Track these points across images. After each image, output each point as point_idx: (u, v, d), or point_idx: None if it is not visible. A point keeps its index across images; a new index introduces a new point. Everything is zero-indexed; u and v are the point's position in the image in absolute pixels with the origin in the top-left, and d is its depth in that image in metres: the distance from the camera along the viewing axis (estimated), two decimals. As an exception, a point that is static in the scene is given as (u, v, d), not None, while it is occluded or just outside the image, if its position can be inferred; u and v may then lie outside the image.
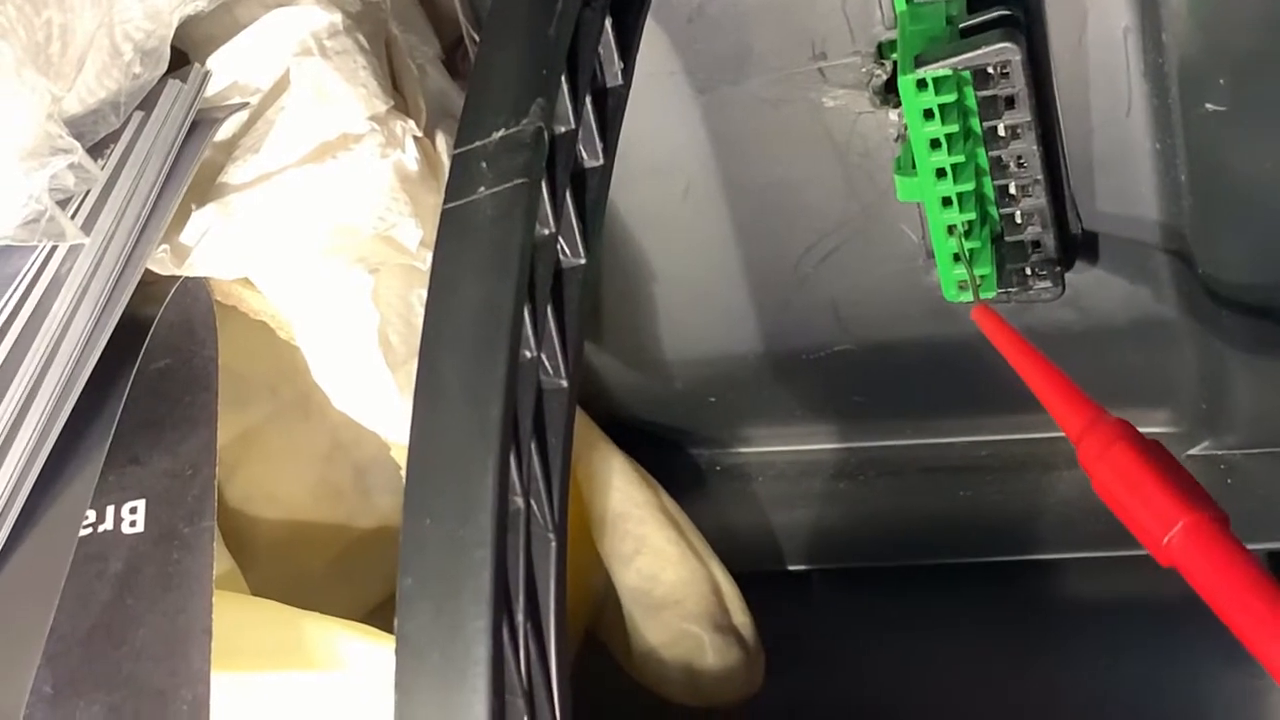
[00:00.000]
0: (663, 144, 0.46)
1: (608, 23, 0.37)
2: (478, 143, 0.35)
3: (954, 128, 0.41)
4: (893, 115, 0.44)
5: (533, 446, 0.33)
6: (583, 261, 0.35)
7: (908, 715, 0.51)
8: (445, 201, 0.34)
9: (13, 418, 0.38)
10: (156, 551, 0.41)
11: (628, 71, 0.37)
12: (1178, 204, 0.43)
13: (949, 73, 0.40)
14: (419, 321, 0.34)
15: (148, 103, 0.41)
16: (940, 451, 0.54)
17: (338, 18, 0.43)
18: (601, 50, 0.37)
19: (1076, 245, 0.45)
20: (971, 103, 0.41)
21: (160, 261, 0.42)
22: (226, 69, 0.43)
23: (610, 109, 0.37)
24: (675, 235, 0.49)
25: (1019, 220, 0.44)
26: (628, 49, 0.38)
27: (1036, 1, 0.41)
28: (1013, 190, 0.43)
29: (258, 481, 0.49)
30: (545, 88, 0.35)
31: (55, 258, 0.40)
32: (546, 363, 0.34)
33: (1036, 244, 0.44)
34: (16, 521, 0.39)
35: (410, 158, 0.42)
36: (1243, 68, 0.39)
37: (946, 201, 0.42)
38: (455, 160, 0.35)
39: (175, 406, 0.43)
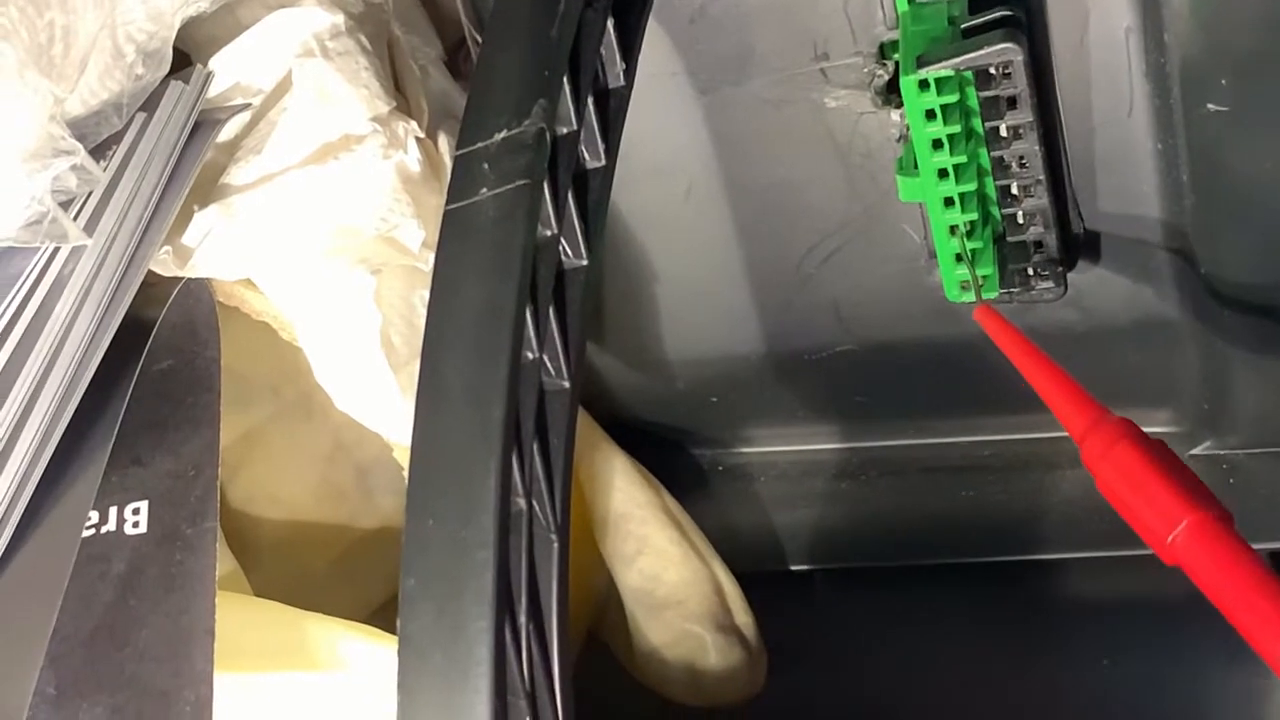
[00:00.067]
0: (665, 145, 0.46)
1: (610, 24, 0.37)
2: (480, 144, 0.35)
3: (956, 128, 0.41)
4: (895, 116, 0.44)
5: (535, 447, 0.33)
6: (585, 262, 0.35)
7: (910, 714, 0.51)
8: (447, 203, 0.34)
9: (15, 419, 0.38)
10: (159, 552, 0.41)
11: (630, 72, 0.37)
12: (1180, 204, 0.43)
13: (951, 73, 0.40)
14: (421, 322, 0.34)
15: (150, 104, 0.41)
16: (942, 451, 0.54)
17: (340, 19, 0.43)
18: (603, 51, 0.37)
19: (1079, 245, 0.45)
20: (973, 103, 0.41)
21: (163, 263, 0.42)
22: (229, 70, 0.43)
23: (612, 110, 0.37)
24: (677, 236, 0.49)
25: (1021, 220, 0.44)
26: (630, 50, 0.38)
27: (1038, 2, 0.41)
28: (1015, 190, 0.43)
29: (260, 482, 0.49)
30: (547, 89, 0.35)
31: (58, 259, 0.40)
32: (548, 364, 0.34)
33: (1039, 244, 0.44)
34: (20, 522, 0.39)
35: (412, 159, 0.43)
36: (1244, 68, 0.39)
37: (949, 202, 0.42)
38: (457, 161, 0.35)
39: (178, 407, 0.43)
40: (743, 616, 0.50)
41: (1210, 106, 0.40)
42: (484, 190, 0.34)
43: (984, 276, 0.44)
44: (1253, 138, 0.40)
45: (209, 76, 0.43)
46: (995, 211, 0.43)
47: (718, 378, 0.53)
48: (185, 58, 0.43)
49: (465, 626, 0.30)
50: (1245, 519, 0.34)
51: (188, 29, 0.42)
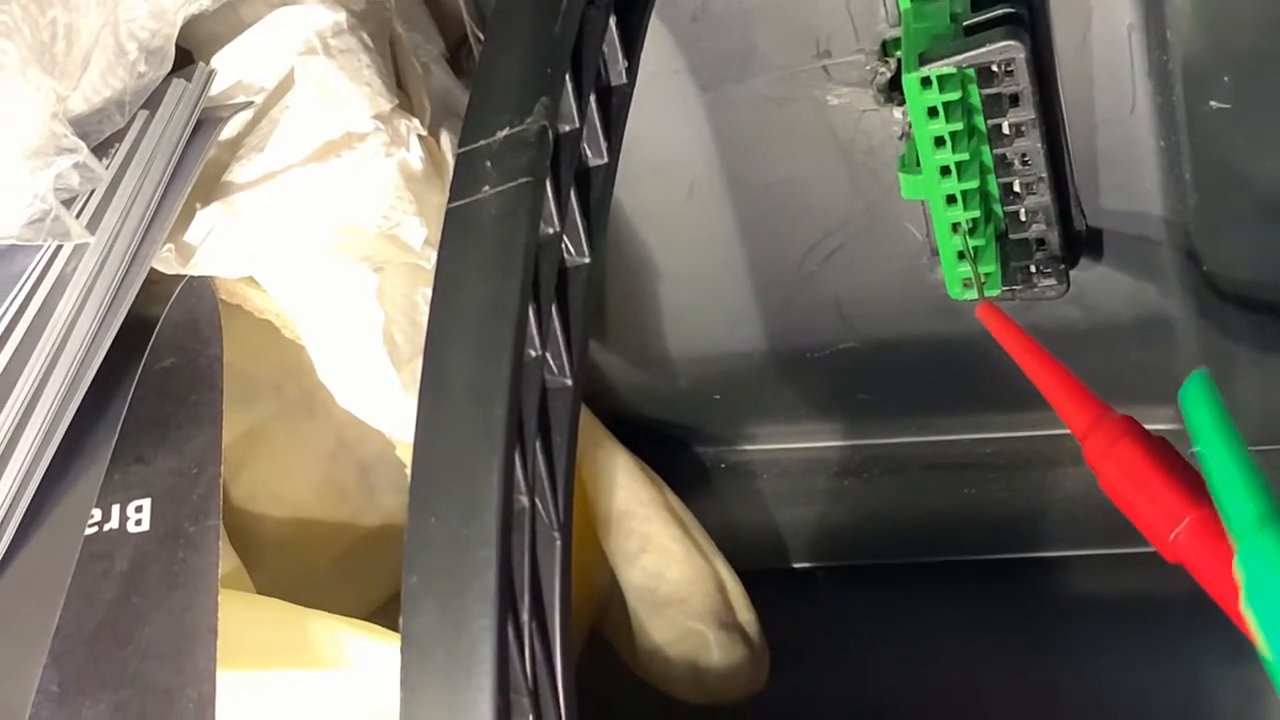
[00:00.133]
0: (667, 142, 0.47)
1: (612, 21, 0.37)
2: (482, 141, 0.35)
3: (958, 125, 0.41)
4: (897, 113, 0.44)
5: (537, 445, 0.33)
6: (587, 260, 0.35)
7: (912, 712, 0.51)
8: (450, 200, 0.34)
9: (18, 417, 0.39)
10: (162, 550, 0.41)
11: (632, 70, 0.37)
12: (1182, 201, 0.43)
13: (953, 70, 0.40)
14: (423, 320, 0.34)
15: (152, 102, 0.41)
16: (945, 449, 0.54)
17: (342, 16, 0.43)
18: (606, 49, 0.37)
19: (1081, 242, 0.45)
20: (976, 100, 0.41)
21: (165, 260, 0.42)
22: (231, 68, 0.43)
23: (614, 107, 0.37)
24: (679, 233, 0.49)
25: (1023, 218, 0.44)
26: (632, 47, 0.38)
27: (1041, -1, 0.41)
28: (1017, 188, 0.43)
29: (263, 480, 0.49)
30: (549, 86, 0.35)
31: (60, 257, 0.40)
32: (551, 361, 0.34)
33: (1041, 241, 0.44)
34: (22, 520, 0.39)
35: (415, 156, 0.43)
36: (1247, 65, 0.39)
37: (951, 199, 0.42)
38: (459, 159, 0.35)
39: (180, 405, 0.43)
40: (745, 614, 0.50)
41: (1213, 104, 0.40)
42: (486, 188, 0.34)
43: (986, 274, 0.44)
44: (1255, 135, 0.40)
45: (211, 74, 0.43)
46: (997, 209, 0.43)
47: (720, 375, 0.53)
48: (187, 55, 0.43)
49: (468, 624, 0.30)
50: (1247, 517, 0.34)
51: (190, 27, 0.42)
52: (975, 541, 0.53)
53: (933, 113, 0.41)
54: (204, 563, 0.40)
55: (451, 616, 0.30)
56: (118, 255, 0.40)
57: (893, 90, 0.43)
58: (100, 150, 0.40)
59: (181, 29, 0.41)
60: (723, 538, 0.51)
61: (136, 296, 0.41)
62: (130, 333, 0.41)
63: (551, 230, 0.34)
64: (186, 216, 0.42)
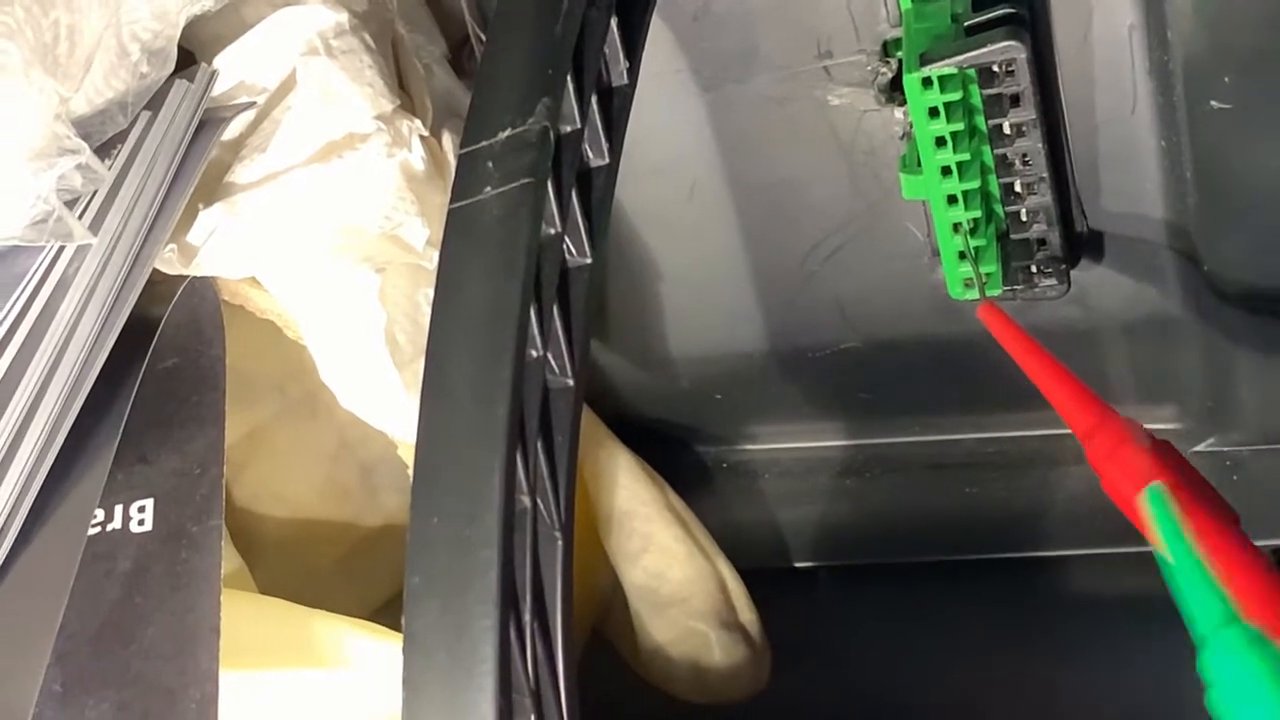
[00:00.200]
0: (668, 143, 0.47)
1: (613, 22, 0.37)
2: (484, 142, 0.35)
3: (959, 125, 0.41)
4: (898, 113, 0.44)
5: (539, 445, 0.33)
6: (589, 261, 0.35)
7: (914, 711, 0.51)
8: (451, 201, 0.34)
9: (21, 418, 0.39)
10: (165, 550, 0.41)
11: (633, 70, 0.38)
12: (1183, 201, 0.43)
13: (954, 71, 0.40)
14: (425, 320, 0.34)
15: (155, 103, 0.41)
16: (946, 448, 0.54)
17: (344, 17, 0.43)
18: (607, 49, 0.37)
19: (1082, 243, 0.45)
20: (977, 100, 0.41)
21: (167, 261, 0.42)
22: (233, 69, 0.43)
23: (616, 108, 0.37)
24: (681, 234, 0.49)
25: (1024, 218, 0.44)
26: (633, 48, 0.38)
27: (1041, -1, 0.41)
28: (1018, 188, 0.43)
29: (265, 480, 0.49)
30: (551, 87, 0.35)
31: (63, 258, 0.40)
32: (553, 362, 0.34)
33: (1042, 241, 0.44)
34: (26, 521, 0.39)
35: (416, 157, 0.43)
36: (1248, 65, 0.39)
37: (952, 199, 0.42)
38: (461, 160, 0.35)
39: (183, 405, 0.43)
40: (747, 614, 0.50)
41: (1214, 104, 0.40)
42: (488, 189, 0.34)
43: (987, 274, 0.44)
44: (1256, 135, 0.40)
45: (214, 75, 0.43)
46: (998, 209, 0.43)
47: (722, 375, 0.53)
48: (190, 56, 0.43)
49: (470, 624, 0.30)
50: (1248, 516, 0.34)
51: (192, 28, 0.42)
52: (977, 541, 0.53)
53: (934, 113, 0.41)
54: (207, 563, 0.40)
55: (453, 616, 0.30)
56: (120, 256, 0.40)
57: (894, 90, 0.44)
58: (103, 151, 0.40)
59: (184, 30, 0.41)
60: (724, 537, 0.51)
61: (139, 297, 0.41)
62: (133, 333, 0.41)
63: (553, 231, 0.34)
64: (189, 217, 0.42)
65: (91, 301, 0.40)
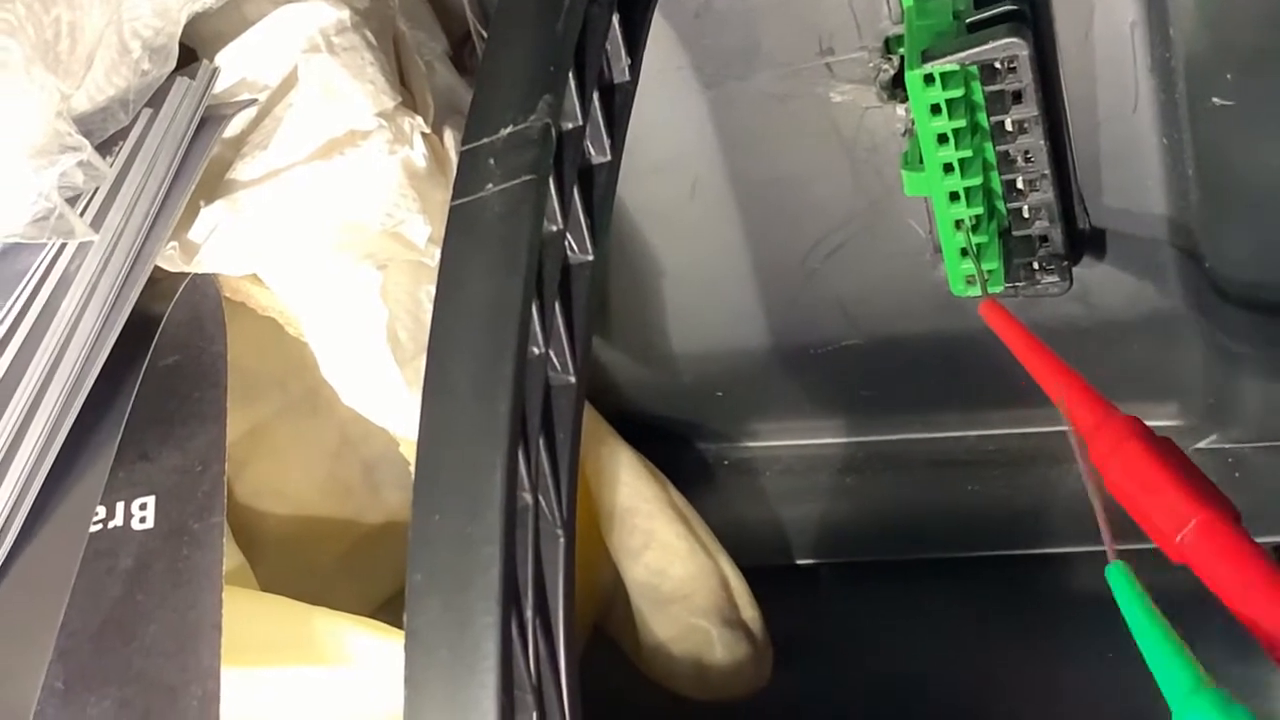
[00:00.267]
0: (670, 140, 0.47)
1: (615, 19, 0.37)
2: (485, 139, 0.35)
3: (961, 123, 0.41)
4: (900, 110, 0.44)
5: (541, 442, 0.33)
6: (590, 258, 0.35)
7: (915, 708, 0.51)
8: (453, 198, 0.34)
9: (22, 415, 0.39)
10: (166, 547, 0.41)
11: (635, 67, 0.38)
12: (1185, 199, 0.43)
13: (956, 68, 0.40)
14: (427, 318, 0.34)
15: (156, 100, 0.41)
16: (948, 446, 0.54)
17: (345, 14, 0.43)
18: (609, 46, 0.37)
19: (1084, 240, 0.45)
20: (979, 97, 0.41)
21: (169, 258, 0.42)
22: (235, 66, 0.43)
23: (617, 105, 0.37)
24: (682, 231, 0.49)
25: (1026, 215, 0.44)
26: (635, 45, 0.38)
27: (1043, -4, 0.41)
28: (1020, 185, 0.43)
29: (267, 477, 0.49)
30: (553, 84, 0.35)
31: (64, 255, 0.40)
32: (554, 359, 0.34)
33: (1044, 238, 0.44)
34: (27, 518, 0.39)
35: (418, 154, 0.43)
36: (1249, 62, 0.39)
37: (954, 196, 0.42)
38: (463, 157, 0.35)
39: (185, 403, 0.43)
40: (749, 611, 0.50)
41: (1215, 101, 0.40)
42: (490, 185, 0.34)
43: (989, 271, 0.44)
44: (1258, 132, 0.40)
45: (215, 72, 0.43)
46: (1000, 206, 0.43)
47: (723, 372, 0.53)
48: (191, 54, 0.43)
49: (472, 621, 0.30)
50: (1250, 513, 0.34)
51: (194, 25, 0.42)
52: (978, 538, 0.53)
53: (936, 110, 0.41)
54: (208, 560, 0.40)
55: (455, 613, 0.30)
56: (121, 253, 0.40)
57: (896, 87, 0.44)
58: (104, 148, 0.40)
59: (185, 27, 0.41)
60: (726, 534, 0.51)
61: (140, 294, 0.41)
62: (134, 330, 0.41)
63: (555, 228, 0.34)
64: (190, 214, 0.42)
65: (93, 299, 0.40)
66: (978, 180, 0.42)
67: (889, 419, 0.54)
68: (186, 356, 0.43)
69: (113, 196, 0.40)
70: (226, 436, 0.43)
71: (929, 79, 0.40)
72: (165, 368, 0.43)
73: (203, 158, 0.42)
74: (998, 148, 0.42)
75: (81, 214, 0.40)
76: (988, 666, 0.51)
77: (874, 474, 0.55)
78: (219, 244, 0.42)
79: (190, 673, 0.39)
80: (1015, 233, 0.44)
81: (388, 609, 0.48)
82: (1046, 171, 0.42)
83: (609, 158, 0.36)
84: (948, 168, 0.42)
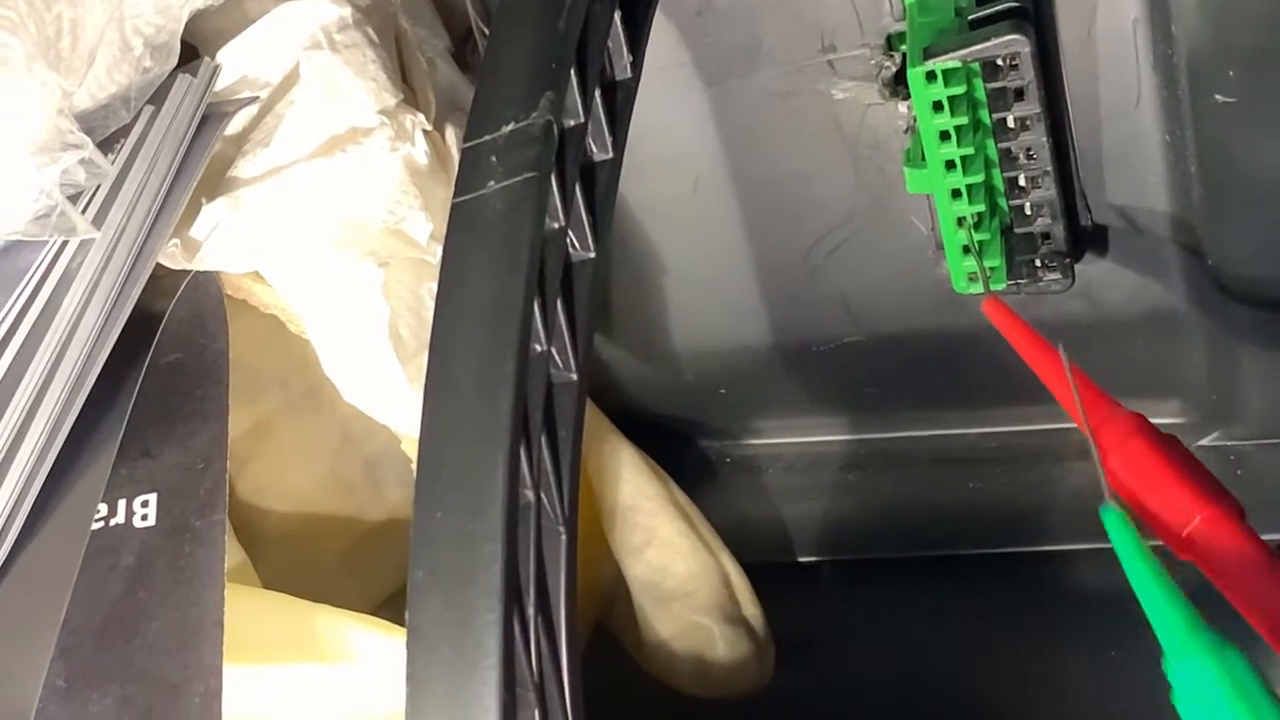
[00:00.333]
0: (672, 137, 0.47)
1: (617, 16, 0.37)
2: (487, 136, 0.35)
3: (963, 120, 0.41)
4: (902, 107, 0.44)
5: (543, 440, 0.33)
6: (592, 255, 0.35)
7: (917, 706, 0.51)
8: (455, 195, 0.34)
9: (25, 413, 0.39)
10: (168, 545, 0.41)
11: (637, 65, 0.38)
12: (1187, 196, 0.43)
13: (958, 65, 0.40)
14: (429, 315, 0.34)
15: (158, 97, 0.41)
16: (950, 443, 0.54)
17: (347, 11, 0.43)
18: (610, 44, 0.37)
19: (1086, 237, 0.45)
20: (981, 94, 0.41)
21: (171, 256, 0.42)
22: (236, 63, 0.43)
23: (619, 102, 0.37)
24: (685, 228, 0.49)
25: (1028, 212, 0.44)
26: (637, 42, 0.38)
27: (1045, -7, 0.41)
28: (1022, 182, 0.43)
29: (269, 475, 0.49)
30: (554, 81, 0.35)
31: (66, 253, 0.40)
32: (556, 356, 0.34)
33: (1046, 236, 0.44)
34: (29, 515, 0.39)
35: (420, 151, 0.43)
36: (1252, 59, 0.39)
37: (956, 193, 0.42)
38: (465, 154, 0.35)
39: (186, 400, 0.43)
40: (750, 608, 0.50)
41: (1218, 98, 0.40)
42: (491, 183, 0.34)
43: (991, 268, 0.44)
44: (1260, 129, 0.40)
45: (216, 69, 0.43)
46: (1003, 203, 0.43)
47: (725, 370, 0.53)
48: (193, 51, 0.43)
49: (474, 619, 0.30)
50: (1253, 510, 0.34)
51: (195, 22, 0.42)
52: (980, 536, 0.53)
53: (938, 107, 0.41)
54: (210, 557, 0.40)
55: (457, 611, 0.30)
56: (123, 250, 0.40)
57: (898, 84, 0.44)
58: (106, 146, 0.40)
59: (186, 24, 0.41)
60: (728, 531, 0.51)
61: (142, 292, 0.41)
62: (136, 328, 0.41)
63: (556, 225, 0.34)
64: (192, 211, 0.42)
65: (95, 296, 0.40)
66: (980, 177, 0.42)
67: (891, 416, 0.54)
68: (188, 354, 0.43)
69: (114, 194, 0.40)
70: (228, 434, 0.43)
71: (931, 76, 0.40)
72: (167, 365, 0.43)
73: (204, 155, 0.42)
74: (1000, 145, 0.42)
75: (83, 211, 0.40)
76: (990, 664, 0.51)
77: (876, 471, 0.55)
78: (221, 241, 0.42)
79: (192, 670, 0.39)
80: (1017, 230, 0.44)
81: (389, 606, 0.48)
82: (1049, 168, 0.42)
83: (611, 155, 0.36)
84: (950, 165, 0.42)
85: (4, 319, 0.39)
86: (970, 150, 0.41)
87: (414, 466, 0.32)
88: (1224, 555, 0.33)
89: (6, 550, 0.38)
